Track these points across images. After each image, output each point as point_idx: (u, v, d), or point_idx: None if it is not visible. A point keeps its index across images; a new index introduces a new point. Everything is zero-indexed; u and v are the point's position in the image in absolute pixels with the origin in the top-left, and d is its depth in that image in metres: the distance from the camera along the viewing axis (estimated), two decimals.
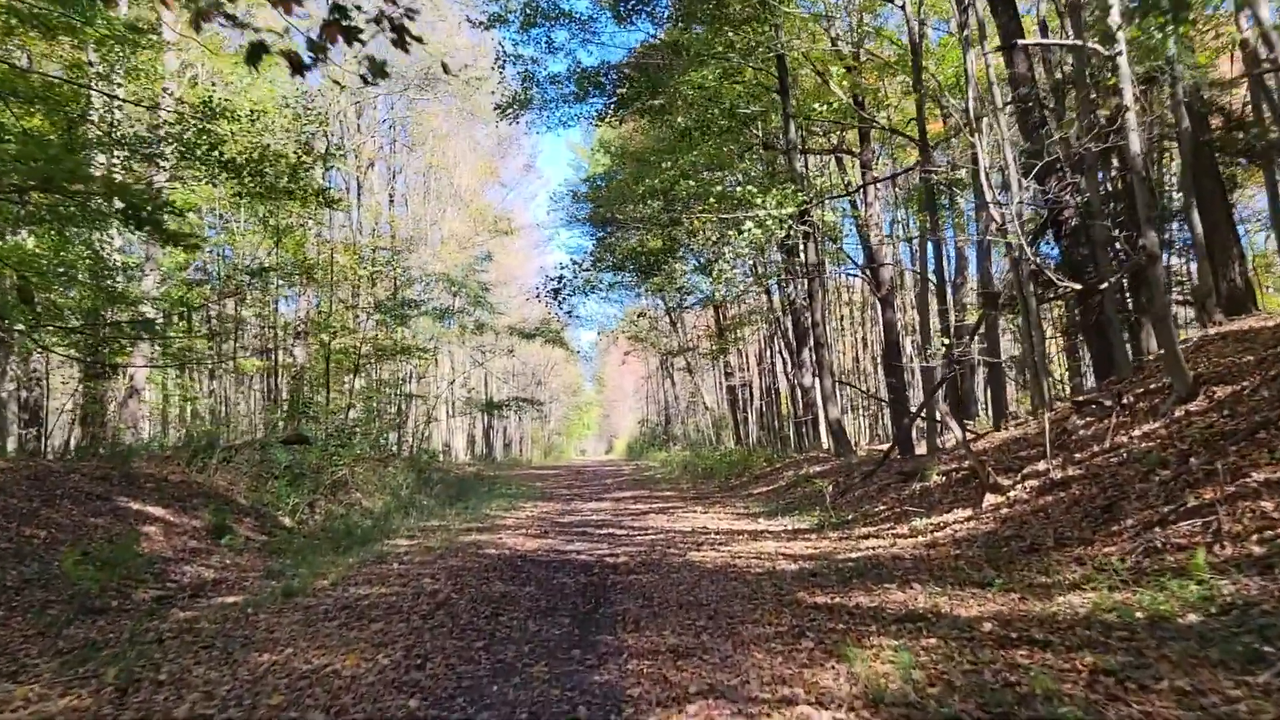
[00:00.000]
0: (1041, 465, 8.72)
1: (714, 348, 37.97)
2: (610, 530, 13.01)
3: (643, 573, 8.62)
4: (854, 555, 8.33)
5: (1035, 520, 7.55)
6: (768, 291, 31.71)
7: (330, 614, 7.32)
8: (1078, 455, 8.45)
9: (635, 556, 9.86)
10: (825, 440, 27.91)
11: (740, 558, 9.04)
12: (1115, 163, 11.72)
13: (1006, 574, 6.27)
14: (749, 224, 12.50)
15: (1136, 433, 8.05)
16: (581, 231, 23.48)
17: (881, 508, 10.67)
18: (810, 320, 20.04)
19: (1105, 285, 10.03)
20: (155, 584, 9.63)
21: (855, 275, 29.33)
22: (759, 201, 12.70)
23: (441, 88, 28.04)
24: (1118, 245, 11.26)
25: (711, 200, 13.52)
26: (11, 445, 17.49)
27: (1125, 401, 8.88)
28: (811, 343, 28.23)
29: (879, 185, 22.02)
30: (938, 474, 10.42)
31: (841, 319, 35.03)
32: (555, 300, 19.02)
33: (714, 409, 45.62)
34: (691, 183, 14.45)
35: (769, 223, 12.62)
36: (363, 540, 13.39)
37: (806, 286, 19.39)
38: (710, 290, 33.80)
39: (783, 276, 25.27)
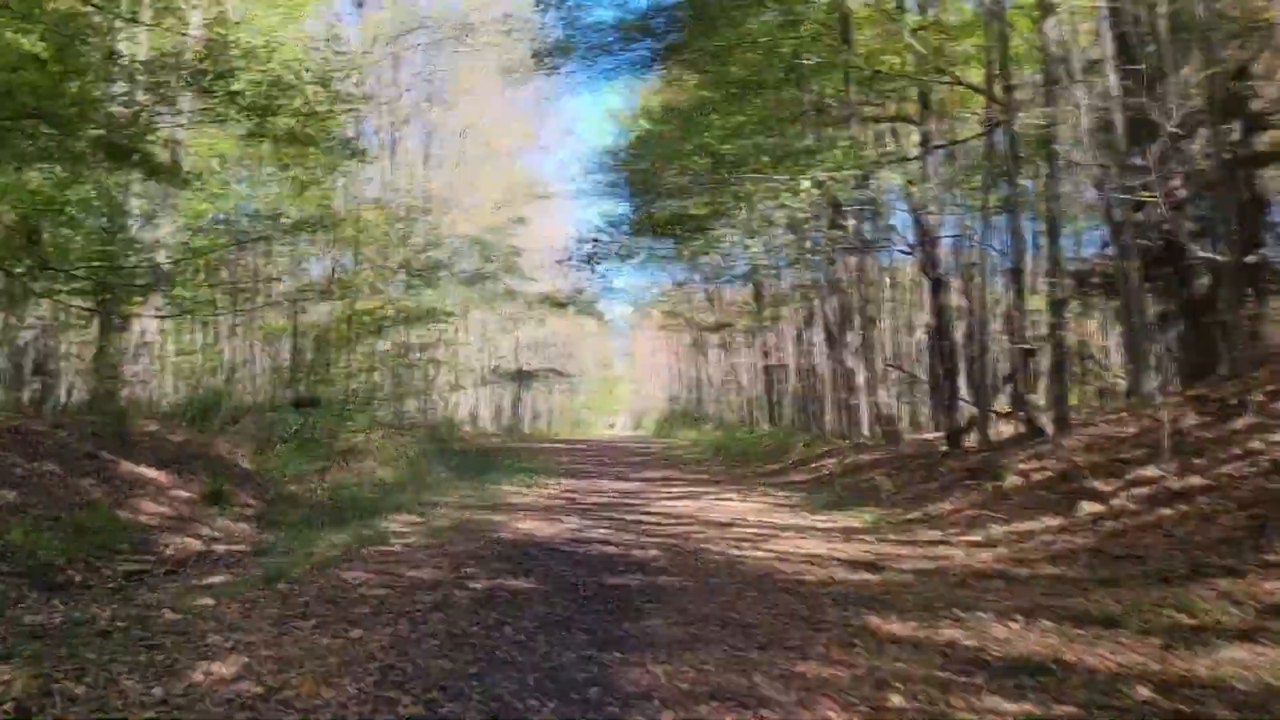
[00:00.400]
0: (1151, 470, 7.46)
1: (753, 323, 36.63)
2: (637, 516, 11.86)
3: (675, 574, 7.45)
4: (924, 566, 7.12)
5: (1152, 539, 6.30)
6: (809, 268, 30.37)
7: (309, 609, 6.22)
8: (1196, 461, 7.18)
9: (666, 551, 8.71)
10: (865, 427, 26.63)
11: (788, 560, 7.85)
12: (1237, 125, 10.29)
13: (1134, 609, 5.02)
14: (807, 182, 11.24)
15: (1276, 438, 6.76)
16: (619, 200, 22.12)
17: (947, 507, 9.43)
18: (858, 298, 18.72)
19: (1253, 258, 8.66)
20: (132, 556, 8.59)
21: (904, 254, 27.92)
22: (820, 159, 11.44)
23: (479, 39, 26.80)
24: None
25: (765, 160, 12.25)
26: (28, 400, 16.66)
27: (1254, 399, 7.58)
28: (858, 323, 26.91)
29: (934, 157, 20.57)
30: (1014, 473, 9.17)
31: (883, 301, 33.55)
32: (589, 265, 17.90)
33: (748, 388, 44.29)
34: (743, 142, 13.12)
35: (829, 183, 11.36)
36: (368, 514, 12.32)
37: (856, 261, 18.05)
38: (749, 261, 32.54)
39: (830, 251, 23.91)
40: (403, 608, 6.25)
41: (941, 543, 8.04)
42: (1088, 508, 7.43)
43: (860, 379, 25.95)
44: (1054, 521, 7.55)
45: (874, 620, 5.42)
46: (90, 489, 9.98)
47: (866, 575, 6.98)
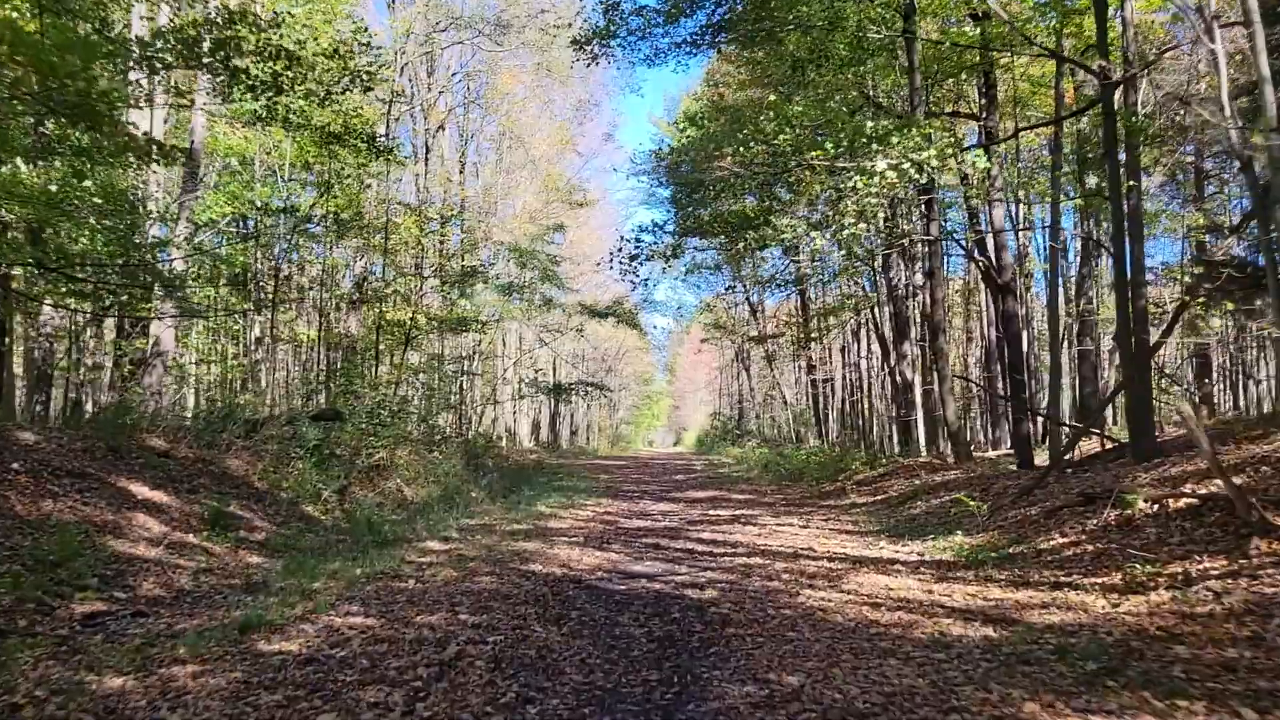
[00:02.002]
0: None
1: (799, 335, 35.10)
2: (688, 544, 10.45)
3: (742, 625, 6.04)
4: (1060, 620, 5.64)
5: None
6: (859, 275, 28.81)
7: (281, 675, 4.88)
8: None
9: (726, 592, 7.29)
10: (923, 443, 24.99)
11: (880, 607, 6.41)
12: None
13: None
14: (882, 163, 9.80)
15: None
16: (661, 206, 20.71)
17: (1059, 539, 7.90)
18: (927, 302, 17.19)
19: None
20: (99, 594, 7.34)
21: (961, 258, 26.31)
22: (894, 140, 10.01)
23: (515, 38, 25.67)
24: None
25: (829, 145, 10.84)
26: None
27: None
28: (924, 332, 25.28)
29: (1000, 152, 19.02)
30: (1144, 499, 7.63)
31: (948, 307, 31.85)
32: (631, 267, 16.57)
33: (793, 403, 42.73)
34: (799, 131, 11.72)
35: (906, 166, 9.93)
36: (388, 540, 11.04)
37: (926, 264, 16.54)
38: (794, 269, 31.03)
39: (888, 252, 22.40)
40: (400, 672, 4.89)
41: (1067, 585, 6.54)
42: (1260, 545, 5.91)
43: (918, 392, 24.38)
44: (1216, 563, 6.04)
45: (1032, 707, 3.97)
46: (63, 511, 8.76)
47: (989, 631, 5.51)
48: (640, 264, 16.70)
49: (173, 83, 11.47)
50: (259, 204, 16.11)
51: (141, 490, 10.28)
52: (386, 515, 14.02)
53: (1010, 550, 8.17)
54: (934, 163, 10.26)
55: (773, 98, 11.83)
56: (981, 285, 27.13)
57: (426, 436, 21.66)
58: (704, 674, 4.83)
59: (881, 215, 11.79)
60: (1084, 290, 25.64)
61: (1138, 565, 6.44)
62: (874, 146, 10.14)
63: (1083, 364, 25.93)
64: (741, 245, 12.36)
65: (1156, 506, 7.52)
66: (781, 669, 4.86)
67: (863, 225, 10.90)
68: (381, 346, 22.38)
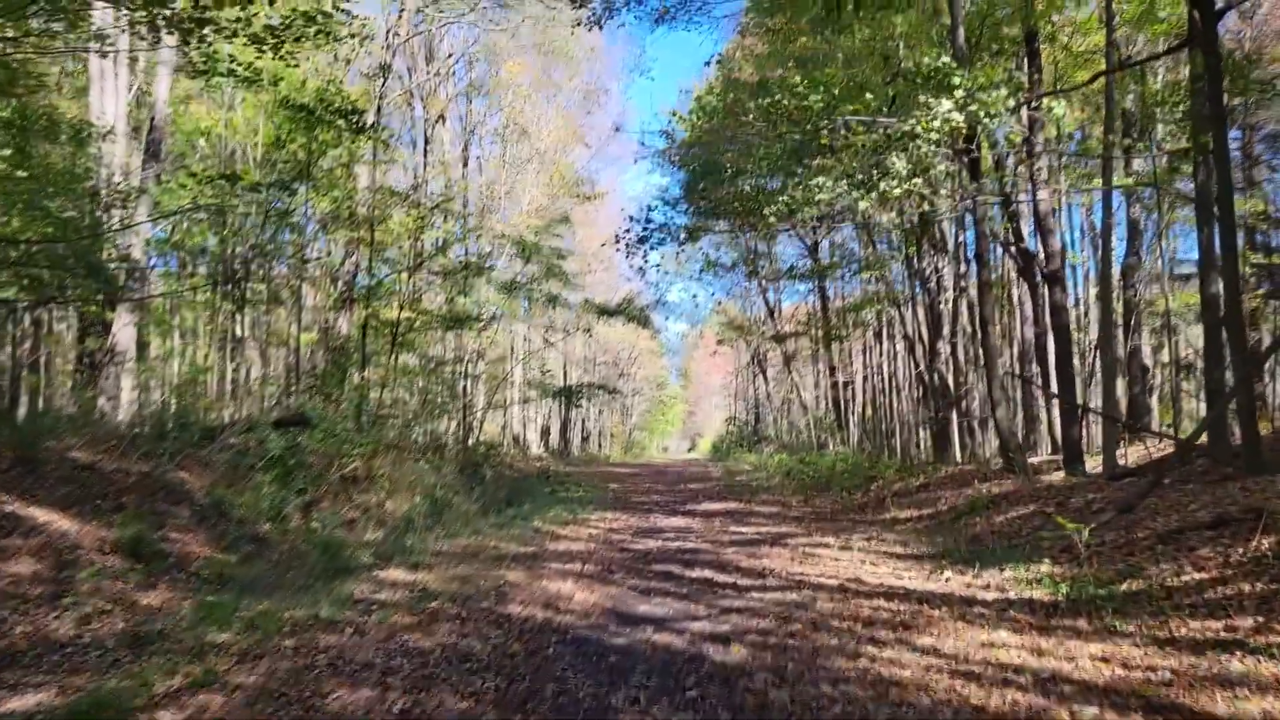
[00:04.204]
0: None
1: (818, 335, 33.19)
2: (706, 572, 8.59)
3: (788, 711, 4.20)
4: (1259, 711, 3.79)
5: None
6: (885, 271, 26.90)
7: None
8: None
9: (759, 649, 5.47)
10: (958, 449, 23.03)
11: (979, 678, 4.56)
12: None
13: None
14: (947, 104, 7.96)
15: None
16: (673, 191, 18.84)
17: (1196, 575, 6.01)
18: (976, 288, 15.31)
19: None
20: None
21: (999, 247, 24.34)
22: (955, 81, 8.18)
23: (516, 15, 23.87)
24: None
25: (869, 98, 9.04)
26: None
27: None
28: (955, 328, 23.40)
29: (1037, 133, 17.05)
30: None
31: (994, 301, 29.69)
32: (640, 250, 14.84)
33: (813, 408, 40.76)
34: (831, 92, 9.86)
35: (974, 107, 8.10)
36: (348, 568, 9.23)
37: (965, 252, 14.67)
38: (810, 266, 29.10)
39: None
40: None
41: (1238, 648, 4.68)
42: None
43: (968, 393, 22.48)
44: None
45: None
46: None
47: None
48: (650, 247, 14.96)
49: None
50: (217, 176, 14.30)
51: (44, 513, 8.49)
52: (359, 535, 12.25)
53: (1125, 588, 6.27)
54: (1008, 104, 8.40)
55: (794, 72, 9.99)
56: (1015, 279, 25.15)
57: (420, 443, 19.94)
58: None
59: (943, 168, 9.89)
60: (1131, 281, 23.69)
61: None
62: (929, 88, 8.30)
63: (1131, 361, 23.99)
64: (770, 213, 10.59)
65: None
66: None
67: (917, 180, 9.04)
68: (373, 347, 20.63)
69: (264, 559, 9.94)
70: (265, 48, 9.67)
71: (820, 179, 9.06)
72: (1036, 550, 8.15)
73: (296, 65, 12.57)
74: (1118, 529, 7.77)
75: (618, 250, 16.03)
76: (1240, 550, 6.07)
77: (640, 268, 15.46)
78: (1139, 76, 16.77)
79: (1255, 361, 8.83)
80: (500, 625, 6.33)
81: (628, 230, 15.31)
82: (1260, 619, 5.04)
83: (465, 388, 26.63)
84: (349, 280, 22.75)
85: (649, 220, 14.78)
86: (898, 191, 9.04)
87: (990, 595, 6.87)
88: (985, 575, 7.61)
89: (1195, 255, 27.43)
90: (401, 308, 18.51)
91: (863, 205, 9.06)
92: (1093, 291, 31.69)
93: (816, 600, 6.92)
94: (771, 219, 10.89)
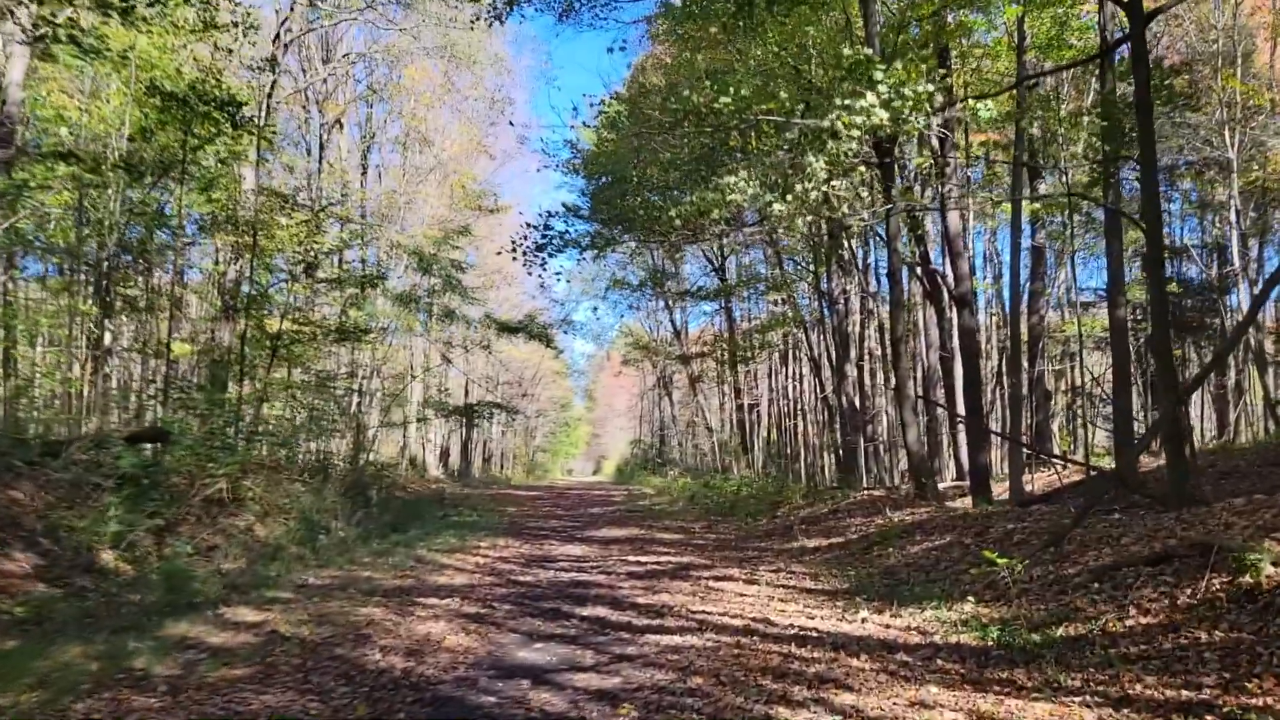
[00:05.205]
0: None
1: (725, 356, 32.69)
2: (599, 609, 7.72)
3: None
4: None
5: None
6: (790, 288, 26.54)
7: None
8: None
9: (656, 709, 4.63)
10: (863, 474, 22.67)
11: None
12: None
13: None
14: (870, 98, 7.29)
15: None
16: (578, 215, 17.83)
17: (1142, 619, 5.37)
18: (889, 307, 14.83)
19: None
20: None
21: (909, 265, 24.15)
22: (878, 75, 7.56)
23: (416, 15, 22.79)
24: None
25: (783, 97, 8.38)
26: None
27: None
28: (864, 350, 23.09)
29: (949, 152, 16.77)
30: (1272, 560, 5.17)
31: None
32: (539, 255, 13.95)
33: (719, 431, 40.28)
34: (741, 93, 9.17)
35: (898, 104, 7.48)
36: (191, 605, 8.07)
37: (888, 261, 14.17)
38: (718, 284, 28.61)
39: (828, 262, 20.14)
40: None
41: (1207, 710, 4.01)
42: None
43: (863, 417, 22.09)
44: None
45: None
46: None
47: None
48: (549, 255, 14.10)
49: None
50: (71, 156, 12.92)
51: None
52: (218, 563, 11.02)
53: (1062, 632, 5.62)
54: (935, 101, 7.81)
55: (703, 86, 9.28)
56: (921, 303, 25.01)
57: (304, 463, 18.64)
58: None
59: (862, 171, 9.21)
60: (1036, 307, 23.72)
61: None
62: (850, 82, 7.66)
63: (1035, 388, 24.00)
64: (676, 214, 9.83)
65: None
66: None
67: (835, 183, 8.38)
68: (258, 360, 19.23)
69: (96, 593, 8.73)
70: (112, 12, 8.55)
71: (732, 179, 8.34)
72: (958, 586, 7.50)
73: (172, 51, 11.38)
74: (1046, 563, 7.15)
75: (515, 259, 15.08)
76: (1189, 591, 5.46)
77: (539, 277, 14.52)
78: (1046, 103, 16.67)
79: (1184, 391, 8.40)
80: (350, 679, 5.35)
81: (524, 237, 14.41)
82: (1225, 675, 4.40)
83: (358, 405, 25.28)
84: (232, 289, 21.30)
85: (548, 226, 13.93)
86: (814, 194, 8.37)
87: (913, 639, 6.15)
88: (905, 615, 6.91)
89: (1096, 283, 27.63)
90: (283, 318, 17.21)
91: (777, 208, 8.35)
92: (993, 319, 32.05)
93: (720, 647, 6.11)
94: (677, 220, 10.16)
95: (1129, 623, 5.43)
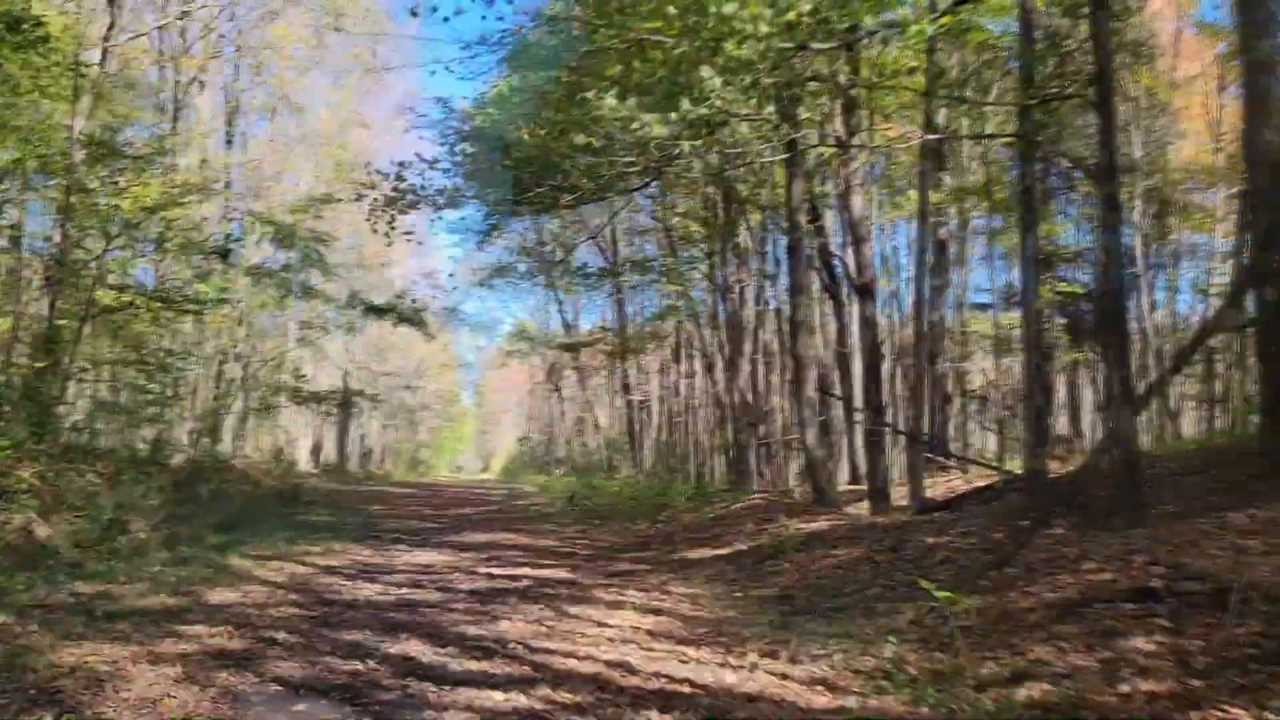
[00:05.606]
0: None
1: (614, 347, 31.03)
2: (413, 645, 5.89)
3: None
4: None
5: None
6: (684, 285, 25.08)
7: None
8: None
9: None
10: (755, 475, 21.24)
11: None
12: None
13: None
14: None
15: None
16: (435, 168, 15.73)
17: (1147, 687, 3.81)
18: (788, 288, 13.36)
19: None
20: None
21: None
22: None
23: None
24: None
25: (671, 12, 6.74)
26: None
27: None
28: (780, 338, 21.66)
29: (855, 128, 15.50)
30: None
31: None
32: (387, 215, 12.01)
33: (607, 429, 38.64)
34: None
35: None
36: None
37: (788, 239, 12.69)
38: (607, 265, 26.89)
39: (723, 247, 18.69)
40: None
41: None
42: None
43: (757, 413, 20.66)
44: None
45: None
46: None
47: None
48: (400, 210, 12.17)
49: None
50: None
51: None
52: None
53: (1025, 695, 4.03)
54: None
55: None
56: (819, 296, 23.78)
57: (128, 453, 16.32)
58: None
59: (769, 82, 7.62)
60: (937, 304, 22.69)
61: None
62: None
63: (934, 389, 22.99)
64: (542, 135, 8.17)
65: None
66: None
67: (732, 92, 6.70)
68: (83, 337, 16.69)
69: None
70: None
71: (608, 98, 6.61)
72: (872, 619, 5.89)
73: None
74: (984, 591, 5.58)
75: (367, 219, 13.07)
76: (1200, 643, 3.92)
77: (385, 234, 12.49)
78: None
79: (1141, 399, 7.08)
80: None
81: (371, 186, 12.47)
82: None
83: (205, 389, 22.77)
84: (53, 255, 18.62)
85: (399, 178, 12.04)
86: (706, 110, 6.70)
87: (819, 700, 4.50)
88: (806, 659, 5.25)
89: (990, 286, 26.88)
90: (94, 284, 14.79)
91: (658, 130, 6.67)
92: (887, 319, 31.18)
93: (555, 712, 4.35)
94: (548, 141, 8.46)
95: (1122, 687, 3.86)
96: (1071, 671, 4.16)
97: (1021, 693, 4.10)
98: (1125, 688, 3.86)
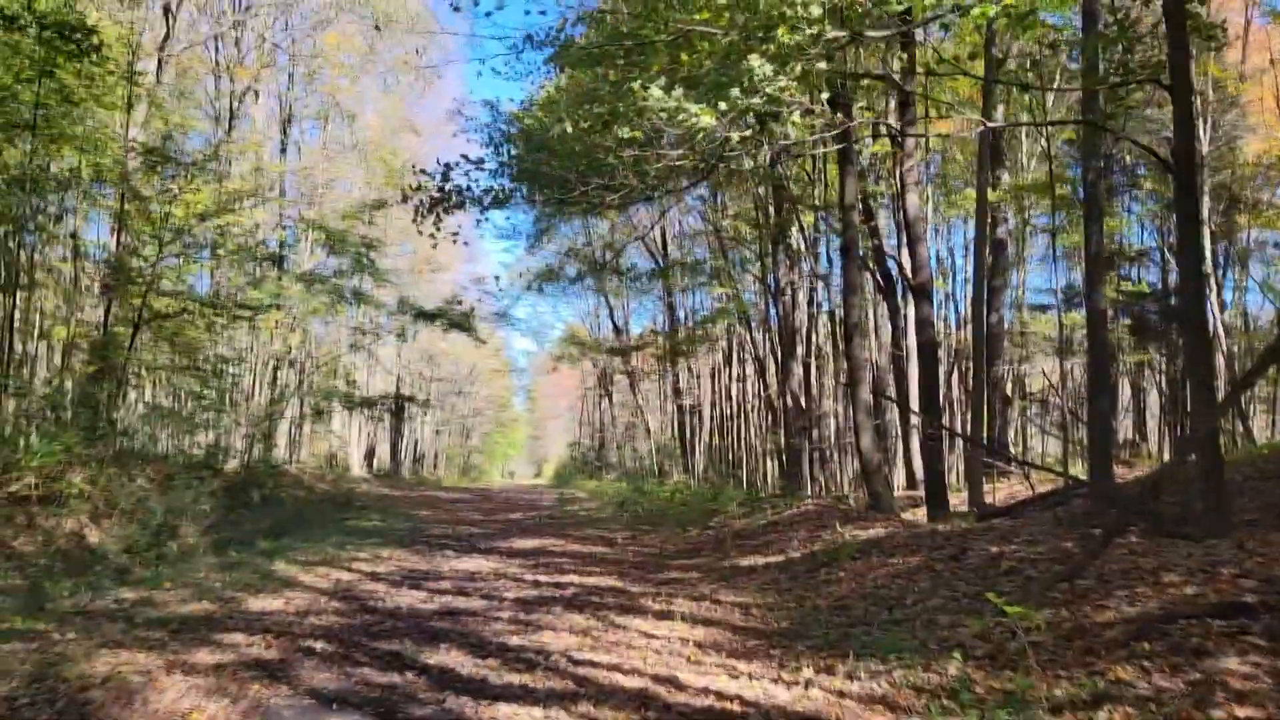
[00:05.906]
0: None
1: (665, 350, 30.77)
2: (453, 656, 5.70)
3: None
4: None
5: None
6: (733, 287, 24.80)
7: None
8: None
9: None
10: (808, 480, 20.85)
11: None
12: None
13: None
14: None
15: None
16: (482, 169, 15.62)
17: (1244, 714, 3.51)
18: (843, 288, 12.99)
19: None
20: None
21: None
22: None
23: None
24: None
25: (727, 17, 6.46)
26: None
27: None
28: (834, 340, 21.28)
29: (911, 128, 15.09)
30: None
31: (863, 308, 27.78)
32: (434, 213, 11.90)
33: (658, 433, 38.36)
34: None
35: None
36: None
37: (841, 239, 12.33)
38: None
39: (774, 249, 18.37)
40: None
41: None
42: None
43: (809, 417, 20.26)
44: None
45: None
46: None
47: None
48: (445, 210, 12.03)
49: None
50: None
51: None
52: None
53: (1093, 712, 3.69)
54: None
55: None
56: (873, 297, 23.32)
57: (184, 459, 16.45)
58: None
59: (820, 67, 7.35)
60: (996, 304, 22.11)
61: None
62: None
63: (993, 392, 22.40)
64: (585, 118, 7.99)
65: None
66: None
67: (782, 82, 6.42)
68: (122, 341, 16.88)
69: None
70: None
71: (654, 89, 6.37)
72: (934, 632, 5.55)
73: None
74: (1058, 605, 5.23)
75: (413, 221, 12.97)
76: None
77: (431, 235, 12.34)
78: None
79: (1226, 400, 6.64)
80: None
81: (417, 187, 12.34)
82: None
83: (259, 394, 22.94)
84: (109, 262, 18.88)
85: (445, 178, 11.90)
86: (757, 101, 6.41)
87: (878, 718, 4.20)
88: (864, 674, 4.95)
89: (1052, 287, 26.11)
90: (147, 291, 14.89)
91: (705, 120, 6.41)
92: (943, 323, 30.55)
93: None
94: (591, 134, 8.25)
95: (1216, 713, 3.51)
96: (1157, 694, 3.82)
97: (1101, 716, 3.77)
98: (1219, 713, 3.51)
